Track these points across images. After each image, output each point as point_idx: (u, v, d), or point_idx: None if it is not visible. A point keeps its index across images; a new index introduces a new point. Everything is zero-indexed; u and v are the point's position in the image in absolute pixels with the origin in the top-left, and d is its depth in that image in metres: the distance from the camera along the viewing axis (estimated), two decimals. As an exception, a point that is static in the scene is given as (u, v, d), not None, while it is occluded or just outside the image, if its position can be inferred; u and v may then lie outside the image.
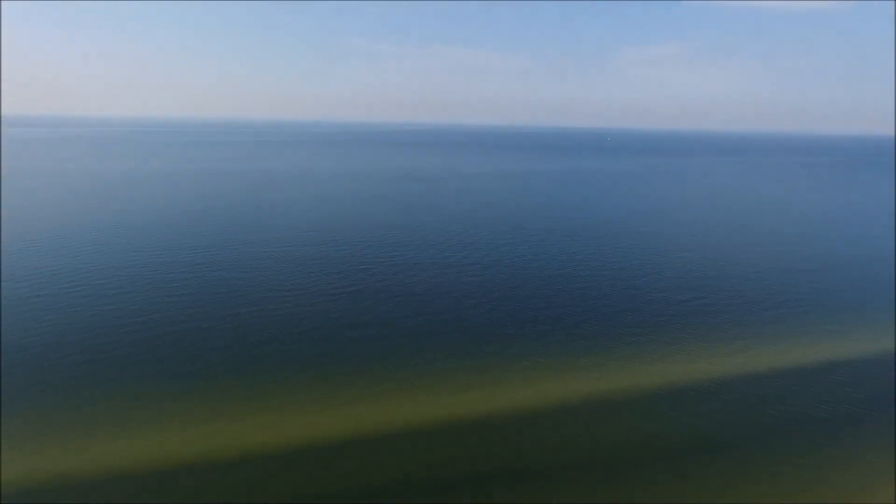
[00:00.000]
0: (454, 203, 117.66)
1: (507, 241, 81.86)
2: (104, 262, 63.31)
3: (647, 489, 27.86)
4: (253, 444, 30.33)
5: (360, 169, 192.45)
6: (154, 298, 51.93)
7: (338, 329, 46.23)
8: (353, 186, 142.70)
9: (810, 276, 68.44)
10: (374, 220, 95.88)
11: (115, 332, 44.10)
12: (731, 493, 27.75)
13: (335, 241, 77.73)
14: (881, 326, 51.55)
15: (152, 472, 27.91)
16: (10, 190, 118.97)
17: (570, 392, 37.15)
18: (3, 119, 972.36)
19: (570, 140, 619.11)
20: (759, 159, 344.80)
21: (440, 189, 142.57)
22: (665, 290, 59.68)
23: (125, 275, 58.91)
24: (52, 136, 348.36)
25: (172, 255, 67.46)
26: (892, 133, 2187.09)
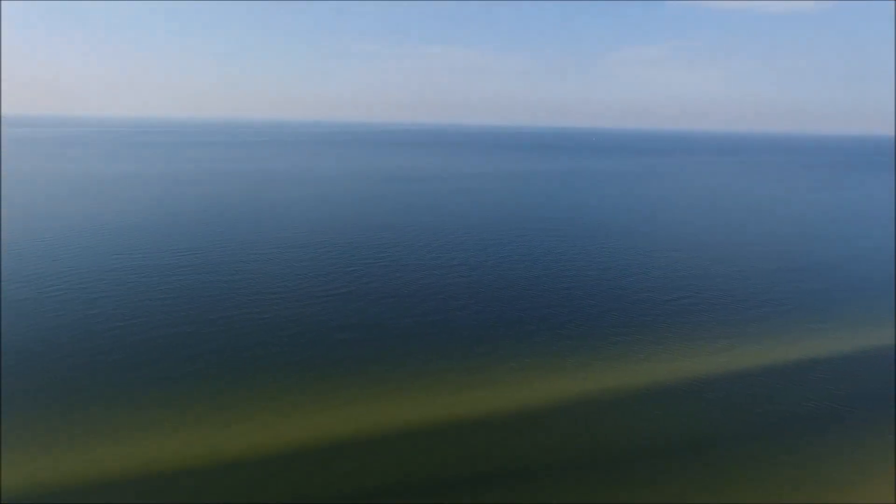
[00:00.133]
0: (442, 204, 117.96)
1: (494, 241, 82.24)
2: (94, 265, 63.62)
3: (634, 489, 28.20)
4: (249, 446, 30.65)
5: (353, 170, 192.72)
6: (142, 302, 52.21)
7: (328, 331, 46.59)
8: (345, 187, 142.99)
9: (795, 275, 68.83)
10: (363, 221, 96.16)
11: (104, 335, 44.40)
12: (718, 492, 28.09)
13: (324, 243, 78.05)
14: (862, 324, 51.95)
15: (149, 474, 28.20)
16: (5, 190, 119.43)
17: (558, 392, 37.48)
18: (3, 119, 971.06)
19: (567, 140, 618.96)
20: (754, 159, 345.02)
21: (430, 190, 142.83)
22: (651, 290, 60.07)
23: (113, 278, 59.21)
24: (48, 136, 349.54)
25: (161, 258, 67.76)
26: (892, 133, 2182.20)
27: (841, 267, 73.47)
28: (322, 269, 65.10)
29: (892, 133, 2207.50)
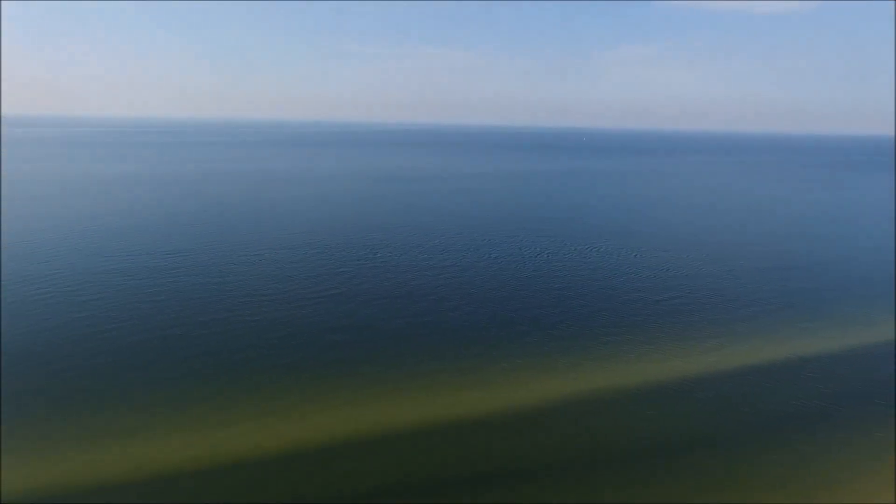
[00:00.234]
0: (434, 205, 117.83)
1: (487, 242, 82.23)
2: (83, 267, 63.05)
3: (627, 489, 28.33)
4: (243, 448, 30.64)
5: (348, 170, 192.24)
6: (132, 304, 51.82)
7: (320, 333, 46.44)
8: (338, 188, 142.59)
9: (785, 274, 69.18)
10: (355, 221, 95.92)
11: (93, 338, 44.04)
12: (710, 491, 28.25)
13: (316, 244, 77.81)
14: (852, 323, 52.27)
15: (142, 477, 28.14)
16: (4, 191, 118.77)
17: (550, 393, 37.55)
18: (2, 119, 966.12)
19: (565, 140, 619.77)
20: (751, 159, 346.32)
21: (422, 190, 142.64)
22: (642, 290, 60.21)
23: (102, 280, 58.72)
24: (44, 136, 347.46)
25: (151, 260, 67.26)
26: (891, 133, 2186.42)
27: (831, 266, 73.86)
28: (314, 270, 64.94)
29: (892, 133, 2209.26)
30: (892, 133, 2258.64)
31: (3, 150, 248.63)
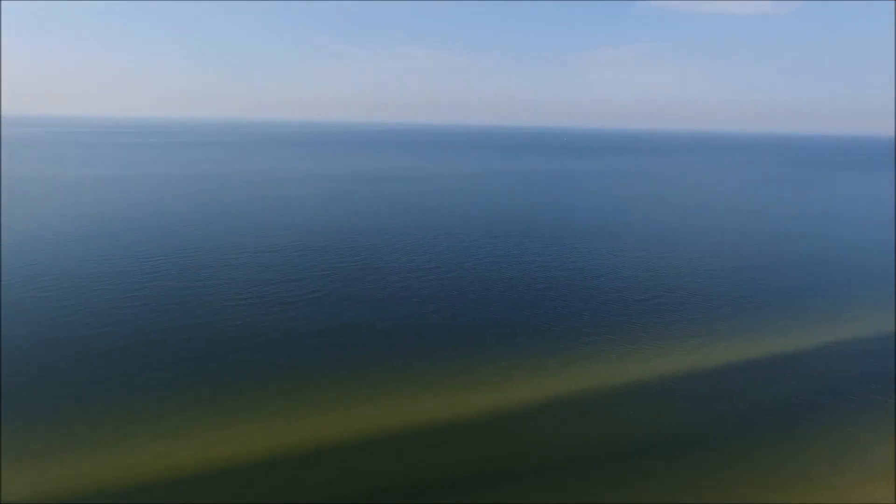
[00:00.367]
0: (416, 205, 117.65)
1: (468, 243, 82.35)
2: (58, 271, 61.28)
3: (613, 489, 28.57)
4: (231, 453, 30.30)
5: (328, 171, 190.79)
6: (108, 310, 50.48)
7: (304, 337, 45.88)
8: (318, 189, 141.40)
9: (764, 272, 70.75)
10: (336, 223, 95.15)
11: (69, 346, 42.76)
12: (691, 490, 28.64)
13: (297, 247, 76.93)
14: (831, 321, 53.69)
15: (125, 486, 27.66)
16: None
17: (534, 395, 37.69)
18: (2, 119, 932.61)
19: (543, 140, 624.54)
20: (733, 159, 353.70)
21: (403, 190, 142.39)
22: (622, 290, 60.95)
23: (78, 285, 56.92)
24: (19, 136, 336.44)
25: (128, 264, 65.63)
26: (890, 133, 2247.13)
27: (807, 264, 75.79)
28: (297, 272, 64.15)
29: (892, 133, 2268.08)
30: (891, 133, 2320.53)
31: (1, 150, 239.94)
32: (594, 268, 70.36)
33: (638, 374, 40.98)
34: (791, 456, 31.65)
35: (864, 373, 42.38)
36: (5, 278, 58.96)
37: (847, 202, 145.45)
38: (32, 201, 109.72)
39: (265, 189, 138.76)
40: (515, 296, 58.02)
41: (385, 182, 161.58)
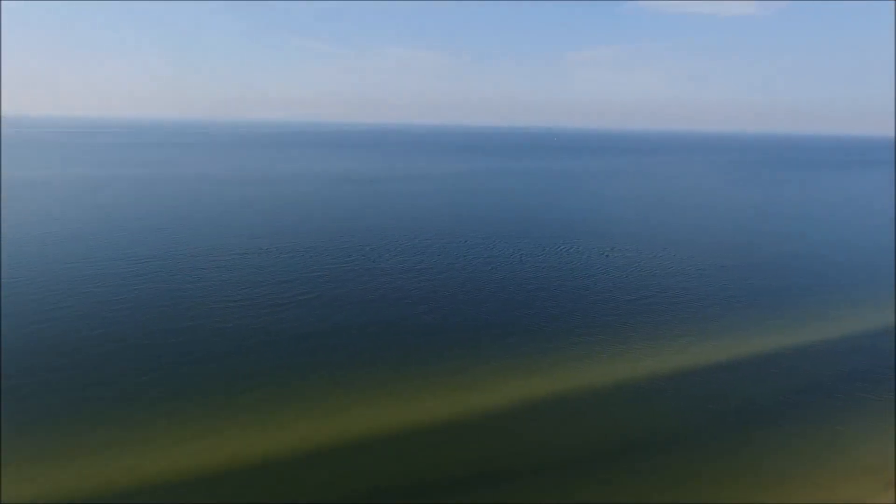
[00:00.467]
0: (403, 206, 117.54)
1: (458, 243, 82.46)
2: (42, 274, 60.56)
3: (601, 488, 28.86)
4: (223, 457, 30.24)
5: (313, 171, 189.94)
6: (93, 314, 49.91)
7: (295, 339, 45.71)
8: (301, 189, 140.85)
9: (750, 272, 71.56)
10: (322, 224, 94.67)
11: (51, 352, 42.25)
12: (681, 488, 28.99)
13: (286, 248, 76.52)
14: (818, 319, 54.45)
15: (116, 491, 27.52)
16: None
17: (526, 395, 37.90)
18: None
19: (531, 139, 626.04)
20: (721, 158, 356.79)
21: (387, 191, 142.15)
22: (613, 290, 61.38)
23: (64, 288, 56.25)
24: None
25: (114, 266, 64.89)
26: (890, 133, 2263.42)
27: (794, 263, 76.72)
28: (286, 274, 63.88)
29: (891, 134, 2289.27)
30: (890, 134, 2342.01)
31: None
32: (585, 267, 70.79)
33: (629, 374, 41.33)
34: (778, 453, 32.11)
35: (850, 370, 43.07)
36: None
37: (835, 202, 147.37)
38: (13, 204, 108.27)
39: (254, 189, 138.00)
40: (507, 296, 58.25)
41: (374, 183, 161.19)
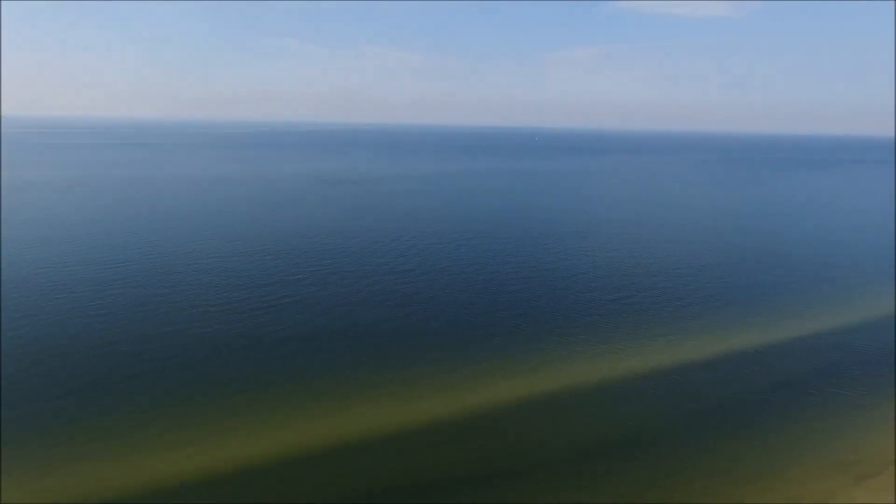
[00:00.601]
0: (384, 207, 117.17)
1: (440, 244, 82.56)
2: (13, 281, 59.14)
3: (584, 488, 29.13)
4: (204, 466, 29.91)
5: (291, 172, 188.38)
6: (68, 320, 48.88)
7: (278, 343, 45.28)
8: (282, 190, 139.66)
9: (728, 270, 72.84)
10: (298, 226, 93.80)
11: (27, 359, 41.29)
12: (668, 485, 29.44)
13: (267, 251, 75.61)
14: (789, 315, 55.68)
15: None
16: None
17: (510, 396, 38.14)
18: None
19: (511, 139, 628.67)
20: (698, 157, 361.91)
21: (367, 192, 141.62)
22: (595, 290, 62.00)
23: (38, 294, 54.98)
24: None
25: (88, 271, 63.47)
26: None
27: (770, 261, 78.28)
28: (267, 277, 63.21)
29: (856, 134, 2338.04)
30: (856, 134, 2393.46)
31: None
32: (567, 268, 71.36)
33: (609, 374, 41.80)
34: (753, 451, 32.74)
35: (822, 367, 44.19)
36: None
37: (807, 201, 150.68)
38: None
39: (231, 191, 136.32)
40: (490, 297, 58.48)
41: (356, 184, 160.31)
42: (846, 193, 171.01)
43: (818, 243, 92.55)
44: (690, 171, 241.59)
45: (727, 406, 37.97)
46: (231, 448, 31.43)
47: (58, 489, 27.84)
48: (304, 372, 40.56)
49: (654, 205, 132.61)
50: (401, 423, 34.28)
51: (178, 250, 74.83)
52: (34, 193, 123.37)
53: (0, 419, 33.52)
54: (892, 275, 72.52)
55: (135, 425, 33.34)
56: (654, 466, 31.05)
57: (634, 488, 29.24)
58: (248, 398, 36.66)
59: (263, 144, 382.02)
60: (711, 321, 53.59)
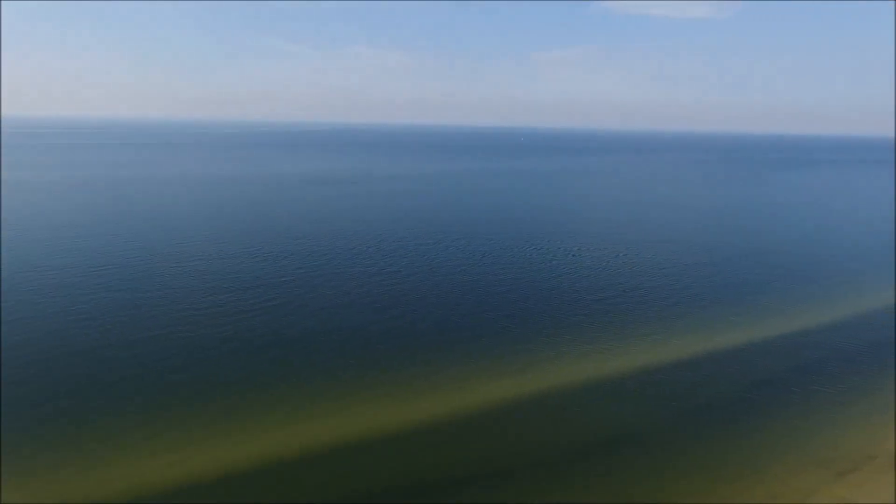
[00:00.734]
0: (373, 208, 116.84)
1: (428, 246, 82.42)
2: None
3: (570, 488, 29.30)
4: (192, 472, 29.79)
5: (275, 173, 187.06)
6: (49, 325, 48.17)
7: (264, 347, 44.98)
8: (257, 192, 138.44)
9: (713, 269, 73.19)
10: (284, 227, 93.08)
11: (9, 364, 40.62)
12: (656, 484, 29.70)
13: (251, 253, 74.78)
14: (774, 314, 55.97)
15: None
16: None
17: (496, 397, 38.25)
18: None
19: (500, 139, 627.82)
20: (690, 157, 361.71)
21: (355, 193, 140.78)
22: (580, 290, 62.11)
23: (14, 298, 54.07)
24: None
25: (65, 276, 62.33)
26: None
27: (753, 260, 78.49)
28: (252, 280, 62.54)
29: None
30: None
31: None
32: (553, 268, 71.47)
33: (595, 374, 41.98)
34: (736, 448, 33.04)
35: (805, 364, 44.56)
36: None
37: (795, 201, 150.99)
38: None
39: (215, 192, 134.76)
40: (477, 298, 58.52)
41: (342, 184, 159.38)
42: (843, 193, 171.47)
43: (810, 243, 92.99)
44: (687, 171, 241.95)
45: (711, 405, 38.14)
46: (227, 449, 31.40)
47: (58, 489, 27.90)
48: (297, 374, 40.50)
49: (647, 205, 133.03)
50: (391, 424, 34.30)
51: (162, 253, 73.80)
52: (33, 194, 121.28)
53: (0, 419, 33.47)
54: (892, 275, 72.64)
55: (134, 425, 33.40)
56: (639, 465, 31.22)
57: (619, 487, 29.41)
58: (242, 399, 36.58)
59: (263, 144, 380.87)
60: (697, 320, 53.78)
